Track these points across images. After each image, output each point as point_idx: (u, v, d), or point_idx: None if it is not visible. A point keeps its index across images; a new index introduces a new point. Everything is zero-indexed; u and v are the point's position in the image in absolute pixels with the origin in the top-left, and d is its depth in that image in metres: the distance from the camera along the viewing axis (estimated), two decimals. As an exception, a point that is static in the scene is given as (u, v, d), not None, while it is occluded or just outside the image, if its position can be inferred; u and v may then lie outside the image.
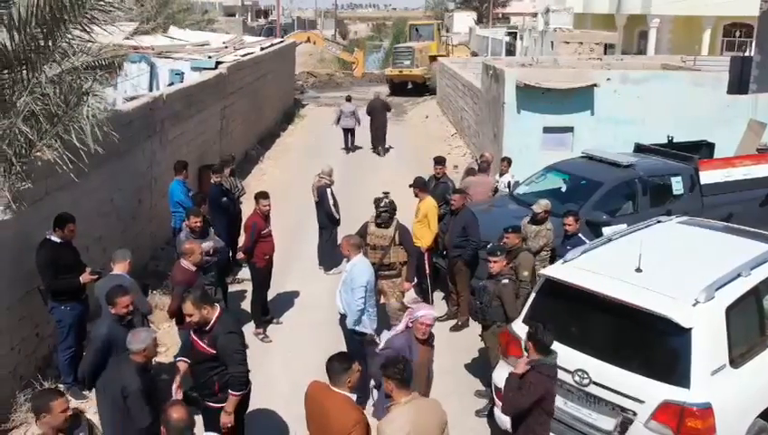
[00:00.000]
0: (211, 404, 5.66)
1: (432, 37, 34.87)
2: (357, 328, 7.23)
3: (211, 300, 5.60)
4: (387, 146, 20.48)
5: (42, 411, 4.25)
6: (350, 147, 20.52)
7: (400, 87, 32.68)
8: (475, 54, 38.57)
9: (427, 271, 9.36)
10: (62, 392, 4.70)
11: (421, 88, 32.05)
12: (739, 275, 5.97)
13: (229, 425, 5.58)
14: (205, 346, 5.51)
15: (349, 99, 21.16)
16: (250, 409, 7.13)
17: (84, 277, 6.93)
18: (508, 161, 12.00)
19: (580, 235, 8.18)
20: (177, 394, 5.58)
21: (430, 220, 9.27)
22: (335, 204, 10.86)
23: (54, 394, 4.43)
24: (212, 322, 5.48)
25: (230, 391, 5.51)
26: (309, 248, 11.55)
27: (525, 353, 5.46)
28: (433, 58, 32.18)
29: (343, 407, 4.65)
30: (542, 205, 8.76)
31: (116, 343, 5.58)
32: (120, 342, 5.61)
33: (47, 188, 7.44)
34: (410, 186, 9.80)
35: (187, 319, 5.50)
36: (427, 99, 30.46)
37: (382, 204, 8.20)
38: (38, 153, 7.23)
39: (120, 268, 6.71)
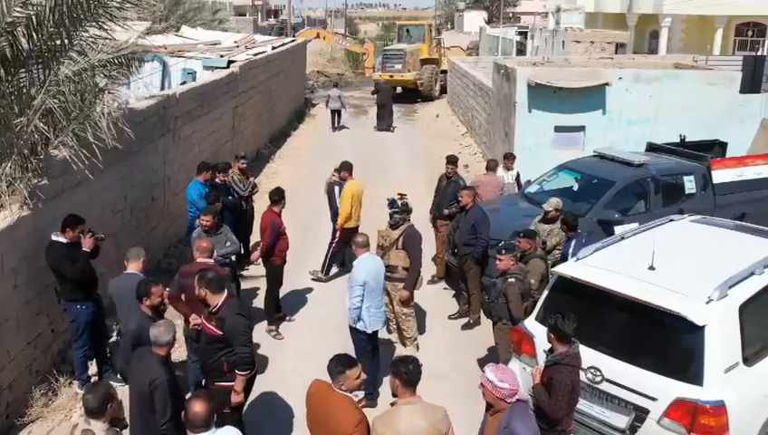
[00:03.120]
0: (221, 384, 5.86)
1: (423, 39, 32.24)
2: (357, 326, 7.27)
3: (215, 287, 5.80)
4: (393, 125, 23.89)
5: (109, 402, 4.43)
6: (337, 126, 24.09)
7: None
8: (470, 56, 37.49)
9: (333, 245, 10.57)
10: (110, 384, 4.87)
11: (413, 93, 30.31)
12: (752, 274, 5.97)
13: (240, 402, 5.90)
14: (212, 328, 5.78)
15: (336, 85, 26.66)
16: (262, 404, 7.21)
17: (86, 242, 6.91)
18: (513, 157, 12.03)
19: (572, 241, 8.08)
20: None
21: (345, 201, 10.28)
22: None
23: (108, 384, 4.78)
24: (218, 304, 5.76)
25: (237, 371, 5.76)
26: (321, 246, 11.59)
27: (544, 351, 5.44)
28: (424, 61, 30.58)
29: (345, 407, 4.64)
30: (552, 203, 8.76)
31: (143, 337, 5.64)
32: (146, 334, 5.68)
33: (63, 186, 7.52)
34: (336, 169, 10.65)
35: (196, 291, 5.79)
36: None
37: (395, 206, 8.18)
38: (54, 150, 7.31)
39: (133, 267, 6.74)
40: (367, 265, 7.24)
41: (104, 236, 7.36)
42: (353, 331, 7.37)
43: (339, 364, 4.75)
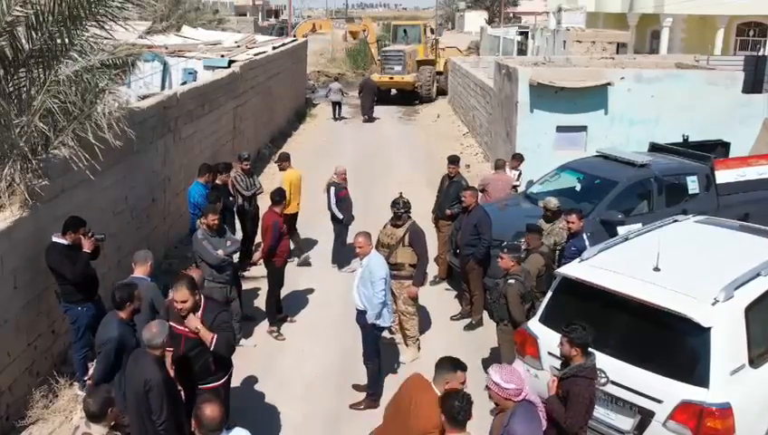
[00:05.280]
0: (209, 386, 5.73)
1: (419, 39, 31.30)
2: (377, 322, 7.22)
3: (194, 286, 5.69)
4: (374, 115, 25.74)
5: (109, 406, 4.48)
6: (338, 117, 25.96)
7: (383, 95, 28.76)
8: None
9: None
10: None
11: (409, 95, 29.43)
12: (758, 275, 5.92)
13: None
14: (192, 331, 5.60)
15: (337, 79, 29.87)
16: (263, 405, 7.18)
17: (86, 243, 6.85)
18: (519, 158, 12.01)
19: (584, 234, 8.08)
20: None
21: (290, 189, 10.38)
22: (337, 203, 10.79)
23: (108, 388, 4.72)
24: (201, 308, 5.62)
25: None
26: (321, 247, 11.58)
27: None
28: (421, 63, 29.84)
29: (433, 407, 4.53)
30: (545, 201, 8.77)
31: (127, 344, 5.61)
32: (128, 341, 5.63)
33: (63, 186, 7.47)
34: (275, 162, 11.21)
35: (180, 306, 5.50)
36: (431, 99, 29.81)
37: (399, 204, 8.18)
38: (54, 150, 7.26)
39: (140, 271, 6.63)
40: (381, 259, 7.29)
41: (104, 236, 7.32)
42: (369, 328, 7.28)
43: (457, 364, 4.78)
